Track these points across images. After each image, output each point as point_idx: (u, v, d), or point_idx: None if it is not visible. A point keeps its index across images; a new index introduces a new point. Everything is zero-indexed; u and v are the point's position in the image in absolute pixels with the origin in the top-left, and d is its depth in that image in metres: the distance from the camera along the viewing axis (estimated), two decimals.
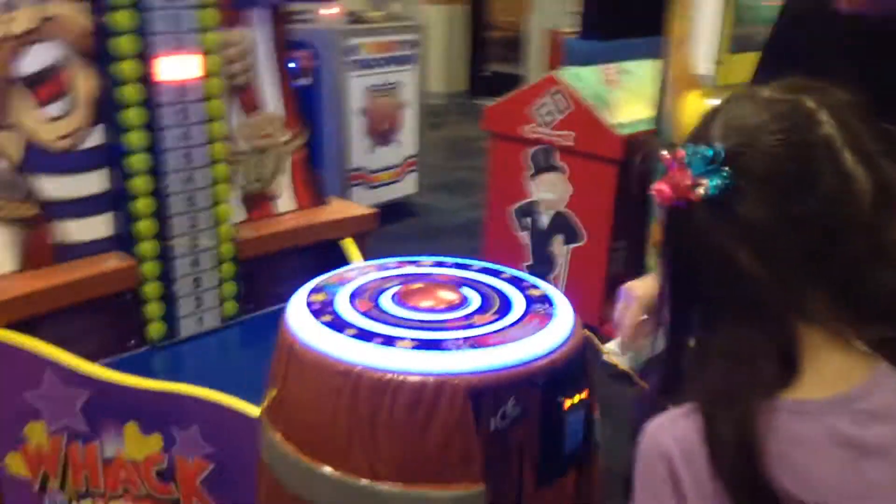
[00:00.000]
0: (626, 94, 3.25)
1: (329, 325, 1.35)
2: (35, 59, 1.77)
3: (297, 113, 2.30)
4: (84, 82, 1.85)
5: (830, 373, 0.74)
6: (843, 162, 0.69)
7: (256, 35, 2.16)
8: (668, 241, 0.76)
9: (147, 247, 1.96)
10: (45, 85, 1.79)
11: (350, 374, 1.26)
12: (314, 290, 1.48)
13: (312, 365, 1.31)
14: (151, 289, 1.99)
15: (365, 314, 1.38)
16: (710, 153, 0.69)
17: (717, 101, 1.92)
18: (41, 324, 1.79)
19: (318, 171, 2.39)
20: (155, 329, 2.01)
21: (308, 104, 3.68)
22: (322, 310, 1.40)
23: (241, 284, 2.15)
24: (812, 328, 0.74)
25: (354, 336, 1.31)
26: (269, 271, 2.16)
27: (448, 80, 8.58)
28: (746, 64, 2.46)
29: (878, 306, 0.72)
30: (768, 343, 0.73)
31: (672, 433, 0.75)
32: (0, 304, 1.74)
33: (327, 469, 1.29)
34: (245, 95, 2.17)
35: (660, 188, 0.71)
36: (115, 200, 1.95)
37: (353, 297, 1.45)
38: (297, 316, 1.39)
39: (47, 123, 1.82)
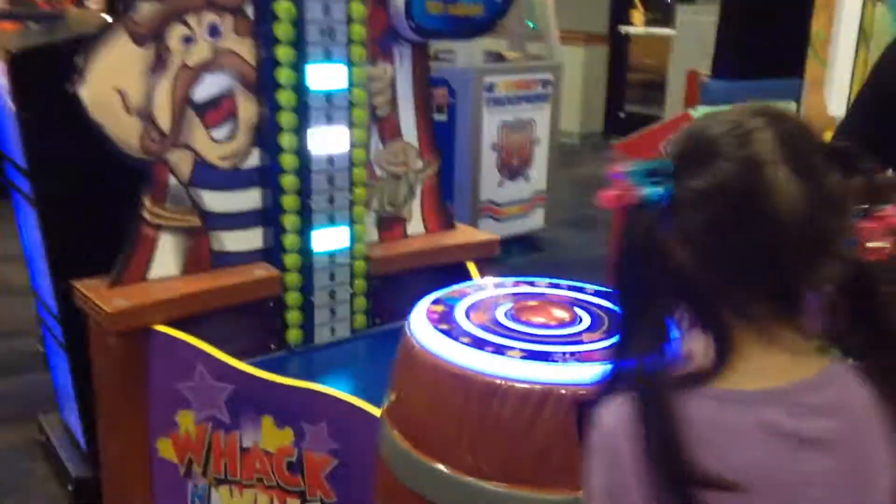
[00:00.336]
0: None
1: (446, 332, 1.46)
2: (207, 88, 2.01)
3: (430, 143, 2.46)
4: (246, 109, 2.08)
5: (766, 367, 0.79)
6: (776, 176, 0.74)
7: (398, 70, 2.35)
8: (623, 238, 0.83)
9: (291, 259, 2.15)
10: (213, 111, 2.04)
11: (462, 378, 1.37)
12: (435, 302, 1.61)
13: (429, 368, 1.43)
14: (293, 298, 2.18)
15: (480, 325, 1.49)
16: (652, 166, 0.77)
17: None
18: (196, 323, 2.01)
19: (449, 201, 2.55)
20: (293, 335, 2.20)
21: (443, 138, 3.88)
22: (441, 319, 1.52)
23: (371, 299, 2.32)
24: (747, 325, 0.79)
25: (468, 344, 1.42)
26: (397, 289, 2.31)
27: (584, 119, 8.64)
28: None
29: (803, 303, 0.78)
30: (703, 332, 0.79)
31: (617, 415, 0.81)
32: (163, 303, 1.98)
33: (438, 465, 1.40)
34: (385, 125, 2.35)
35: (604, 195, 0.79)
36: (266, 216, 2.17)
37: (469, 309, 1.56)
38: (418, 324, 1.52)
39: (213, 144, 2.06)
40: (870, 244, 0.78)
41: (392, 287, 2.33)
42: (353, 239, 2.24)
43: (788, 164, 0.74)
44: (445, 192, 2.57)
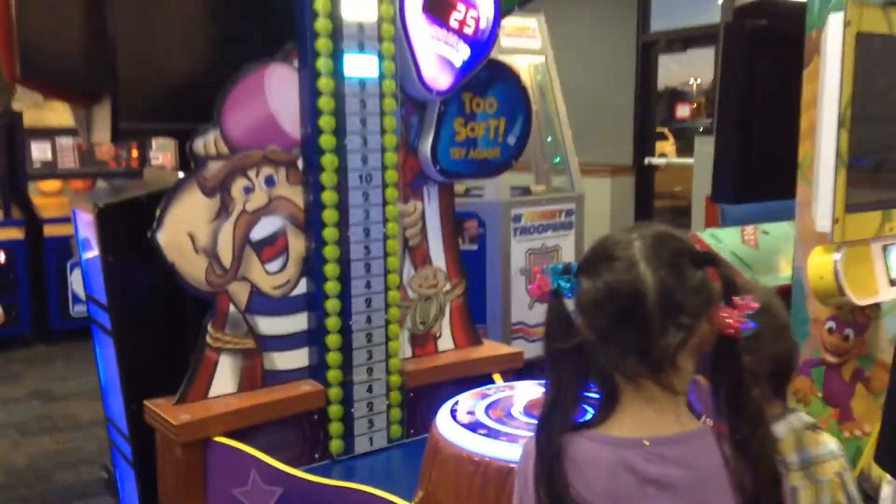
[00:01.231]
0: (763, 253, 3.46)
1: (467, 426, 1.70)
2: (263, 228, 2.35)
3: (457, 267, 2.76)
4: (296, 245, 2.42)
5: (637, 419, 1.05)
6: (638, 271, 1.02)
7: (427, 206, 2.68)
8: (546, 319, 1.12)
9: (334, 374, 2.42)
10: (269, 247, 2.37)
11: (480, 463, 1.59)
12: (458, 402, 1.85)
13: (452, 457, 1.66)
14: (335, 411, 2.43)
15: (496, 419, 1.72)
16: (561, 267, 1.07)
17: (838, 255, 2.26)
18: (250, 434, 2.26)
19: (483, 324, 2.81)
20: (335, 445, 2.43)
21: (475, 266, 4.20)
22: (463, 416, 1.76)
23: (405, 411, 2.55)
24: (626, 381, 1.05)
25: (485, 435, 1.64)
26: (430, 400, 2.54)
27: None
28: (864, 222, 2.66)
29: (670, 365, 1.03)
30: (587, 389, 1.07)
31: (528, 447, 1.10)
32: (222, 417, 2.25)
33: None
34: (416, 253, 2.66)
35: (532, 286, 1.09)
36: (312, 337, 2.45)
37: (489, 407, 1.80)
38: (443, 421, 1.75)
39: (268, 276, 2.38)
40: (726, 322, 1.04)
41: (425, 398, 2.56)
42: (389, 355, 2.50)
43: (650, 265, 1.02)
44: (479, 315, 2.85)
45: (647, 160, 9.40)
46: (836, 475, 1.35)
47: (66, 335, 5.79)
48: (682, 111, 9.63)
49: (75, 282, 5.81)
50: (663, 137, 15.48)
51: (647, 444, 1.03)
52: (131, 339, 2.43)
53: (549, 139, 5.77)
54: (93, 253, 2.50)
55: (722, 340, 1.05)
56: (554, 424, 1.07)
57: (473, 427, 1.70)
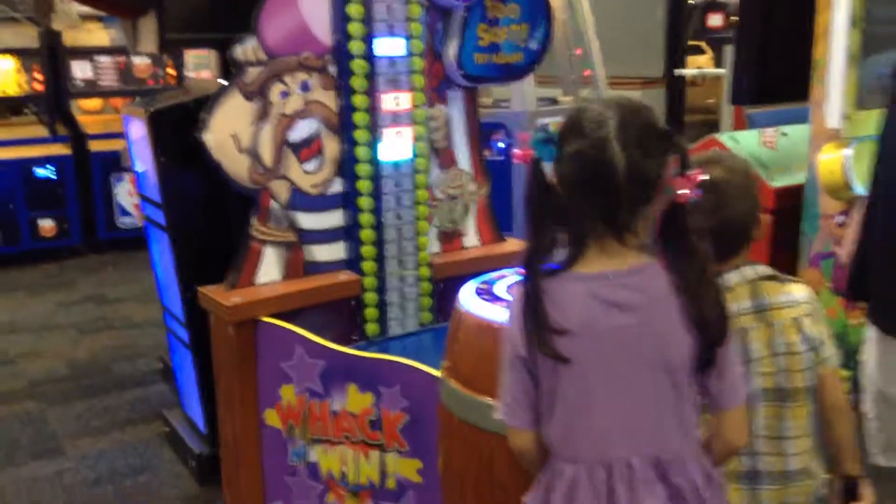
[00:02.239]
0: (782, 154, 3.57)
1: (487, 300, 1.91)
2: (300, 131, 2.54)
3: (482, 169, 2.93)
4: (331, 147, 2.61)
5: (598, 261, 1.26)
6: (611, 148, 1.19)
7: (452, 110, 2.84)
8: (527, 180, 1.29)
9: (368, 266, 2.64)
10: (305, 149, 2.56)
11: (495, 328, 1.80)
12: (481, 282, 2.06)
13: (474, 325, 1.87)
14: (370, 298, 2.66)
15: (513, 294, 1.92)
16: (543, 136, 1.23)
17: (848, 151, 2.42)
18: (294, 317, 2.51)
19: (509, 231, 3.00)
20: (371, 328, 2.68)
21: (502, 174, 4.35)
22: (483, 292, 1.97)
23: (434, 300, 2.78)
24: (592, 236, 1.25)
25: (504, 306, 1.85)
26: (456, 291, 2.75)
27: None
28: (871, 118, 2.77)
29: (630, 228, 1.24)
30: (565, 238, 1.27)
31: (517, 290, 1.33)
32: (268, 300, 2.49)
33: (485, 399, 1.82)
34: (442, 155, 2.84)
35: (516, 152, 1.26)
36: (347, 232, 2.67)
37: (508, 286, 2.00)
38: (466, 296, 1.97)
39: (305, 175, 2.58)
40: (680, 192, 1.23)
41: (452, 289, 2.77)
42: (418, 248, 2.71)
43: (621, 142, 1.20)
44: (506, 225, 3.04)
45: (676, 71, 9.33)
46: (791, 319, 1.53)
47: (113, 245, 6.13)
48: (715, 20, 9.47)
49: (120, 194, 6.10)
50: (700, 51, 15.19)
51: (610, 277, 1.25)
52: (184, 233, 2.67)
53: (576, 51, 5.83)
54: (145, 155, 2.71)
55: (674, 206, 1.25)
56: (534, 268, 1.28)
57: (492, 299, 1.90)
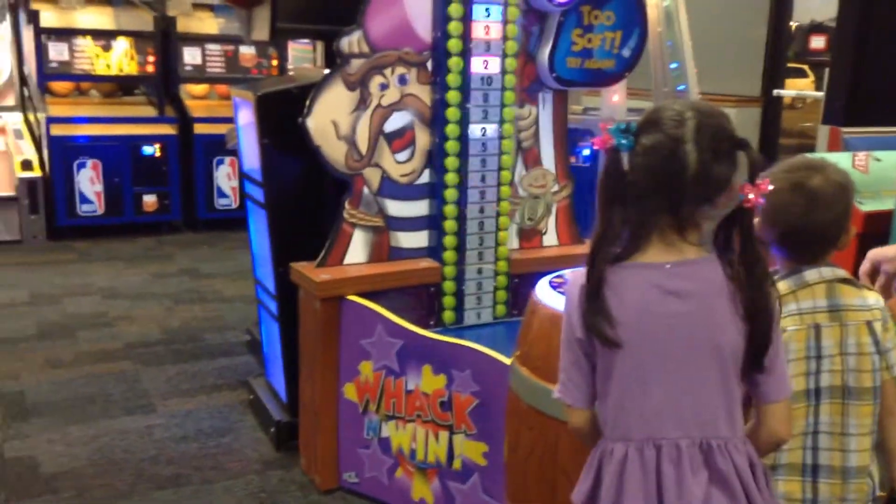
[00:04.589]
0: (873, 178, 3.52)
1: (562, 293, 1.99)
2: (395, 122, 2.68)
3: (566, 170, 3.01)
4: (422, 139, 2.73)
5: (658, 252, 1.33)
6: (684, 147, 1.25)
7: (541, 111, 2.93)
8: (602, 168, 1.35)
9: (449, 255, 2.76)
10: (398, 139, 2.70)
11: None
12: (556, 276, 2.14)
13: (548, 317, 1.96)
14: (448, 286, 2.78)
15: None
16: (623, 126, 1.29)
17: None
18: (377, 298, 2.64)
19: (588, 236, 3.07)
20: (448, 315, 2.79)
21: (587, 183, 4.40)
22: (559, 285, 2.05)
23: (510, 294, 2.87)
24: (658, 225, 1.31)
25: None
26: (532, 288, 2.84)
27: None
28: None
29: (693, 225, 1.32)
30: (629, 229, 1.32)
31: (575, 275, 1.38)
32: (354, 279, 2.64)
33: (552, 386, 1.90)
34: (528, 155, 2.93)
35: (595, 139, 1.32)
36: (432, 221, 2.79)
37: None
38: (542, 289, 2.05)
39: (397, 165, 2.72)
40: (749, 197, 1.29)
41: (528, 286, 2.85)
42: (498, 243, 2.81)
43: (695, 143, 1.26)
44: (585, 227, 3.10)
45: (775, 92, 9.13)
46: (864, 322, 1.57)
47: (210, 225, 6.45)
48: (817, 42, 9.20)
49: (220, 177, 6.42)
50: (802, 74, 14.77)
51: (669, 266, 1.32)
52: (281, 211, 2.84)
53: (673, 65, 5.81)
54: (250, 136, 2.90)
55: (741, 209, 1.31)
56: (600, 256, 1.34)
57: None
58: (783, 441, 1.44)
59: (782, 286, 1.55)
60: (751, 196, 1.29)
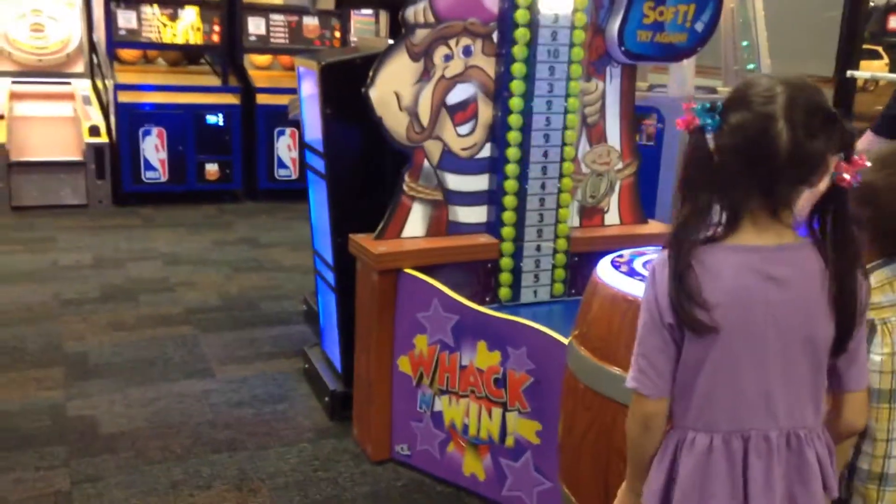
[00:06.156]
0: None
1: (624, 273, 1.94)
2: (457, 94, 2.64)
3: (631, 148, 2.93)
4: (485, 112, 2.69)
5: (753, 235, 1.27)
6: (776, 125, 1.18)
7: (608, 86, 2.85)
8: (687, 148, 1.28)
9: (508, 231, 2.72)
10: (461, 112, 2.66)
11: (634, 302, 1.83)
12: (618, 255, 2.08)
13: (609, 297, 1.90)
14: (506, 262, 2.74)
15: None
16: (709, 105, 1.22)
17: None
18: (434, 271, 2.62)
19: (652, 218, 3.00)
20: (504, 292, 2.76)
21: (651, 162, 4.31)
22: (621, 265, 2.00)
23: (568, 273, 2.82)
24: (750, 207, 1.25)
25: (640, 280, 1.88)
26: (592, 266, 2.78)
27: None
28: None
29: (786, 205, 1.26)
30: (719, 212, 1.26)
31: (661, 257, 1.32)
32: (412, 253, 2.62)
33: (612, 368, 1.86)
34: (593, 131, 2.86)
35: (679, 120, 1.25)
36: (491, 196, 2.75)
37: (645, 263, 2.02)
38: (603, 268, 2.00)
39: (458, 138, 2.68)
40: (844, 176, 1.23)
41: (588, 264, 2.80)
42: (558, 220, 2.76)
43: (788, 120, 1.19)
44: (649, 212, 3.03)
45: (849, 73, 8.77)
46: None
47: (270, 195, 6.53)
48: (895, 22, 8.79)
49: (281, 148, 6.47)
50: (877, 56, 14.14)
51: (768, 251, 1.26)
52: (341, 182, 2.84)
53: (744, 44, 5.62)
54: (313, 106, 2.90)
55: (835, 189, 1.24)
56: (685, 238, 1.28)
57: (630, 273, 1.93)
58: (858, 430, 1.41)
59: (879, 275, 1.48)
60: (846, 176, 1.22)
